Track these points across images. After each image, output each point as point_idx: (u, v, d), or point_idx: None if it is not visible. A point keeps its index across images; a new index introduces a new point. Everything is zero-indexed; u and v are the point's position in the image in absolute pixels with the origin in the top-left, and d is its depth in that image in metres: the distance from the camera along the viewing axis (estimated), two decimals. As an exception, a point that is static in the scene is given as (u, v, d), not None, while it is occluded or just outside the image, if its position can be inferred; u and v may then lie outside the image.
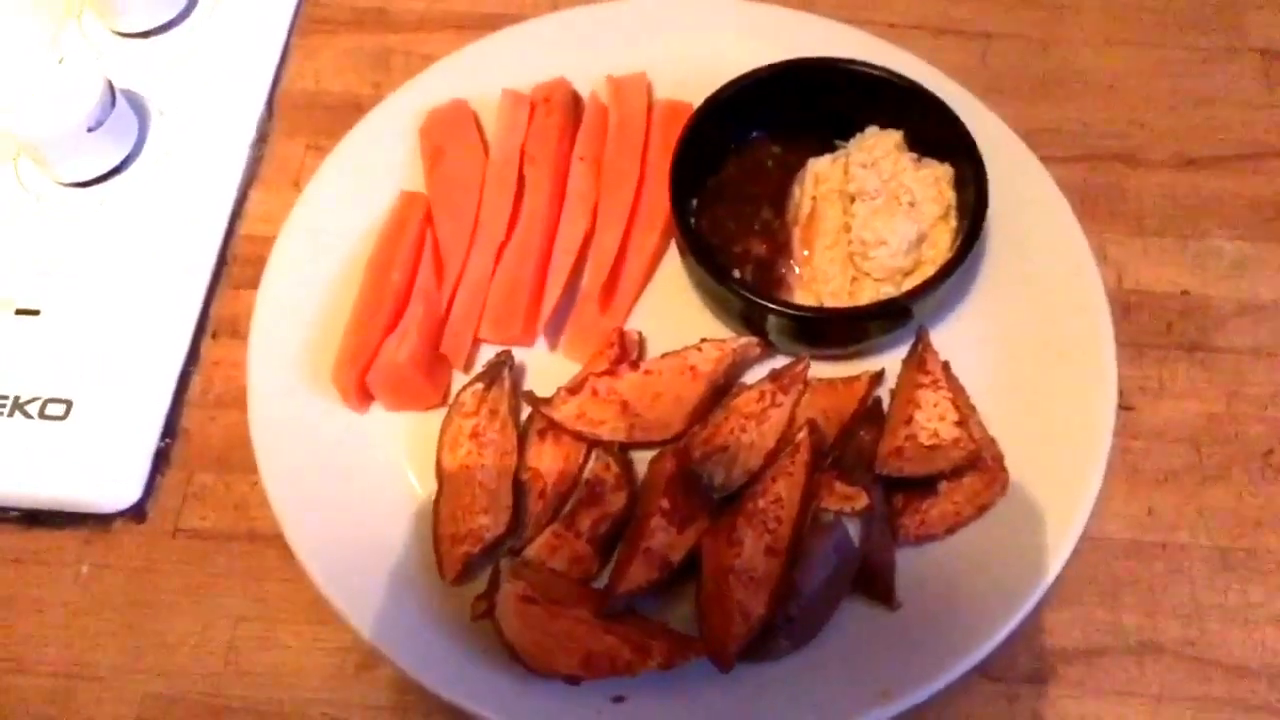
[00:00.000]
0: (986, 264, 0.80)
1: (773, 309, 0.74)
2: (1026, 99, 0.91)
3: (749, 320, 0.77)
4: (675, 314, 0.80)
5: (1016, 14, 0.96)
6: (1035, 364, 0.76)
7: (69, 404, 0.79)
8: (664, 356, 0.75)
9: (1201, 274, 0.84)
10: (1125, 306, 0.82)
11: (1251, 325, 0.81)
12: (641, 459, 0.75)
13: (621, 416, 0.74)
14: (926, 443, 0.68)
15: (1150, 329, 0.81)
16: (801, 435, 0.70)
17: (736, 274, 0.78)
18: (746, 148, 0.84)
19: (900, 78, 0.80)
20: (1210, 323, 0.82)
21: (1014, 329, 0.78)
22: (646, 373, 0.74)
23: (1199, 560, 0.73)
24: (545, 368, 0.79)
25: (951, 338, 0.78)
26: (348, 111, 0.91)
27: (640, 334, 0.79)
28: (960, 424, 0.69)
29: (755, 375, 0.77)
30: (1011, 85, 0.92)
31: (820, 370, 0.76)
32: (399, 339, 0.76)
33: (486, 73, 0.89)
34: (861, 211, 0.77)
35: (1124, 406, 0.77)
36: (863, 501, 0.66)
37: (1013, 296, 0.79)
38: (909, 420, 0.70)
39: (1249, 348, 0.81)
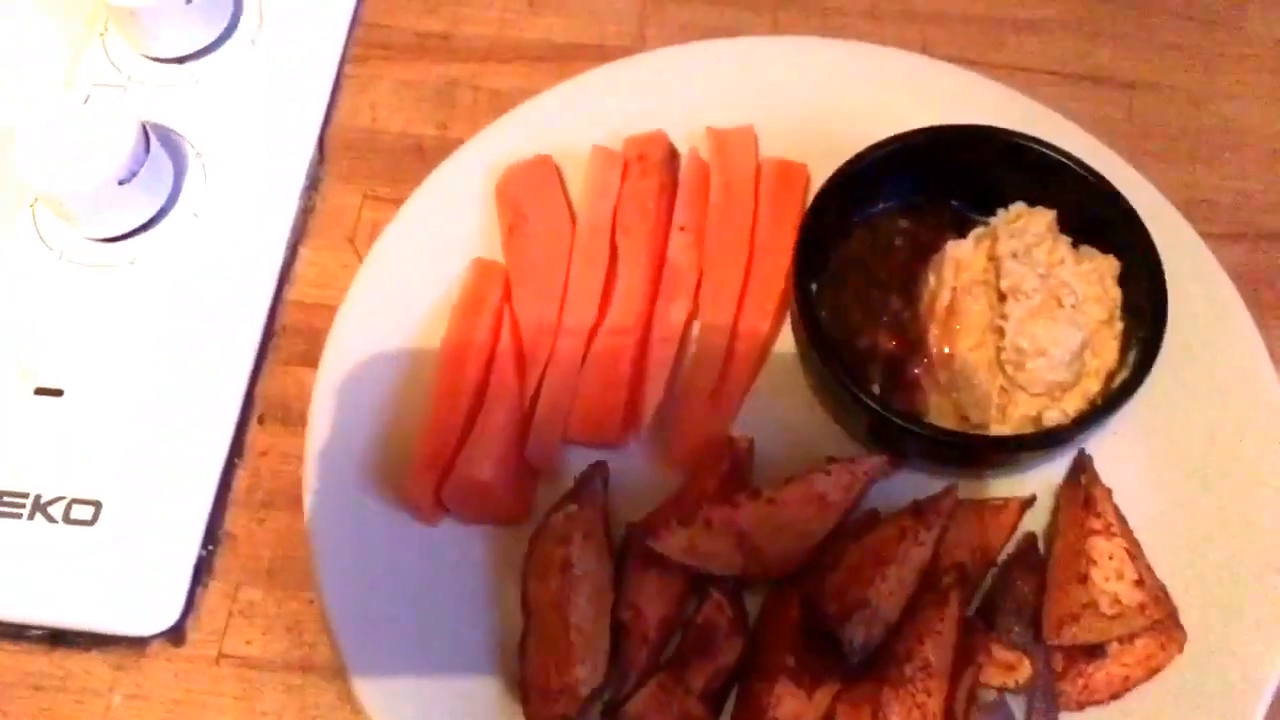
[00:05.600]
0: (1148, 370, 0.71)
1: (913, 431, 0.64)
2: (1175, 162, 0.81)
3: (878, 434, 0.67)
4: (787, 410, 0.72)
5: (1164, 59, 0.85)
6: (1207, 490, 0.68)
7: (97, 505, 0.69)
8: (788, 483, 0.65)
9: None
10: (1303, 416, 0.72)
11: None
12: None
13: (737, 550, 0.64)
14: (1108, 611, 0.58)
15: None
16: (949, 583, 0.61)
17: (862, 372, 0.68)
18: (871, 222, 0.74)
19: (1050, 147, 0.71)
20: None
21: (1179, 447, 0.70)
22: (770, 503, 0.64)
23: None
24: (638, 468, 0.70)
25: (1107, 457, 0.68)
26: (408, 155, 0.82)
27: (751, 441, 0.70)
28: (1140, 584, 0.60)
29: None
30: (1159, 145, 0.82)
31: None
32: (480, 449, 0.66)
33: (570, 120, 0.79)
34: (1016, 313, 0.66)
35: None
36: (1026, 672, 0.59)
37: (1177, 408, 0.70)
38: (1084, 580, 0.60)
39: None
